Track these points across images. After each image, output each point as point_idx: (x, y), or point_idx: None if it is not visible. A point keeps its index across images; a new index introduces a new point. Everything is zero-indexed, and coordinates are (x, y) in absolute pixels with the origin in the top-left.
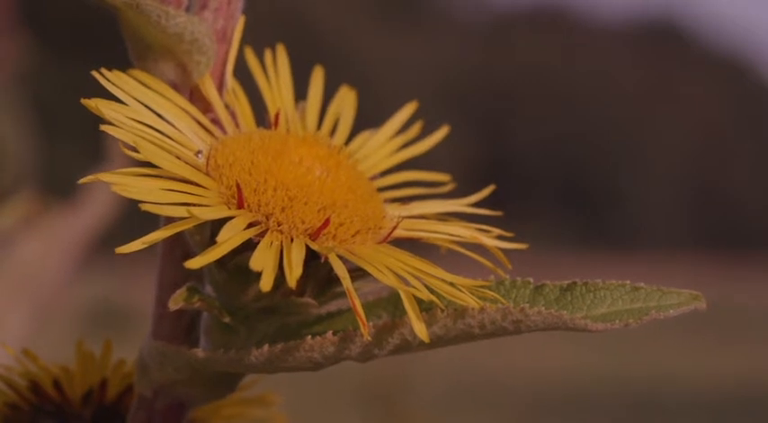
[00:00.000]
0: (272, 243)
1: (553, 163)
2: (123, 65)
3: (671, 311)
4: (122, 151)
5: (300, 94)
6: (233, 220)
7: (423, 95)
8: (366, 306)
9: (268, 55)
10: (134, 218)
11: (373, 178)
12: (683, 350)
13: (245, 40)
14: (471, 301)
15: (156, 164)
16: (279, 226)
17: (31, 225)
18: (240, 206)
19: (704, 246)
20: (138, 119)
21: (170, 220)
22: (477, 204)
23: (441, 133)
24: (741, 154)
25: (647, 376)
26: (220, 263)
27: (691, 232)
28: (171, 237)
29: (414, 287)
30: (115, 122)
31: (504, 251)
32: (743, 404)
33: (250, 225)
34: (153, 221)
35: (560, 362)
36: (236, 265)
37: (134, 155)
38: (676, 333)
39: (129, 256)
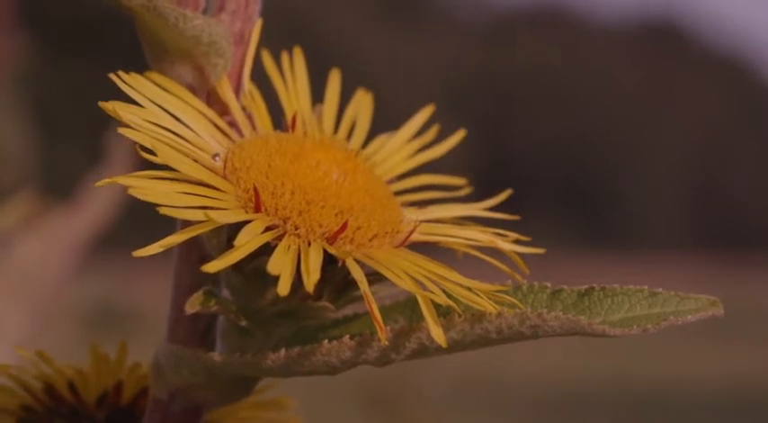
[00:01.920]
0: (289, 247)
1: (553, 163)
2: (123, 65)
3: (689, 317)
4: (122, 152)
5: None
6: (250, 224)
7: (422, 95)
8: (383, 310)
9: (285, 57)
10: (134, 218)
11: (390, 182)
12: (684, 350)
13: None
14: (489, 306)
15: (174, 167)
16: (296, 230)
17: (31, 225)
18: (257, 210)
19: (704, 246)
20: (155, 121)
21: (186, 224)
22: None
23: (456, 137)
24: (741, 154)
25: (648, 376)
26: (237, 267)
27: (691, 232)
28: (188, 240)
29: (431, 292)
30: (132, 125)
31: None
32: (743, 404)
33: (267, 229)
34: (153, 222)
35: (562, 363)
36: (254, 268)
37: (151, 157)
38: (677, 333)
39: (128, 257)
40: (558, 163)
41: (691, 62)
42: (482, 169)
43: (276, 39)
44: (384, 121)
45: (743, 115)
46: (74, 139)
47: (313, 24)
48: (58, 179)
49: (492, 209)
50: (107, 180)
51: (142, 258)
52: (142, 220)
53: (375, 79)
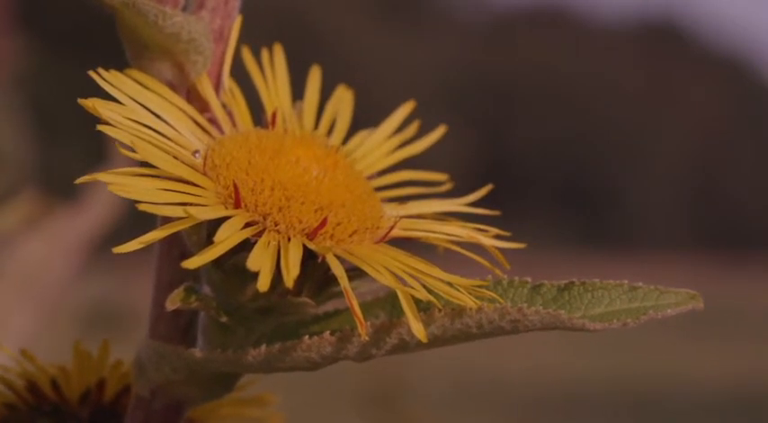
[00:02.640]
0: (269, 243)
1: (553, 163)
2: (123, 65)
3: (668, 311)
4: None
5: (301, 94)
6: (230, 220)
7: (423, 95)
8: (363, 306)
9: (265, 54)
10: (136, 218)
11: (371, 178)
12: (683, 350)
13: (244, 41)
14: (469, 301)
15: (154, 164)
16: (276, 226)
17: (34, 226)
18: (237, 206)
19: (704, 246)
20: (135, 119)
21: (167, 220)
22: (475, 203)
23: (438, 133)
24: (741, 154)
25: (648, 376)
26: (217, 263)
27: (691, 232)
28: (168, 237)
29: (411, 287)
30: (112, 122)
31: (504, 251)
32: (743, 404)
33: (247, 225)
34: (153, 222)
35: (560, 362)
36: (234, 264)
37: (131, 155)
38: (676, 333)
39: (131, 257)
40: (557, 163)
41: (691, 62)
42: (482, 169)
43: (276, 39)
44: (383, 121)
45: (743, 115)
46: (73, 140)
47: (313, 24)
48: (58, 180)
49: (486, 206)
50: (87, 177)
51: (142, 258)
52: (142, 220)
53: (375, 79)
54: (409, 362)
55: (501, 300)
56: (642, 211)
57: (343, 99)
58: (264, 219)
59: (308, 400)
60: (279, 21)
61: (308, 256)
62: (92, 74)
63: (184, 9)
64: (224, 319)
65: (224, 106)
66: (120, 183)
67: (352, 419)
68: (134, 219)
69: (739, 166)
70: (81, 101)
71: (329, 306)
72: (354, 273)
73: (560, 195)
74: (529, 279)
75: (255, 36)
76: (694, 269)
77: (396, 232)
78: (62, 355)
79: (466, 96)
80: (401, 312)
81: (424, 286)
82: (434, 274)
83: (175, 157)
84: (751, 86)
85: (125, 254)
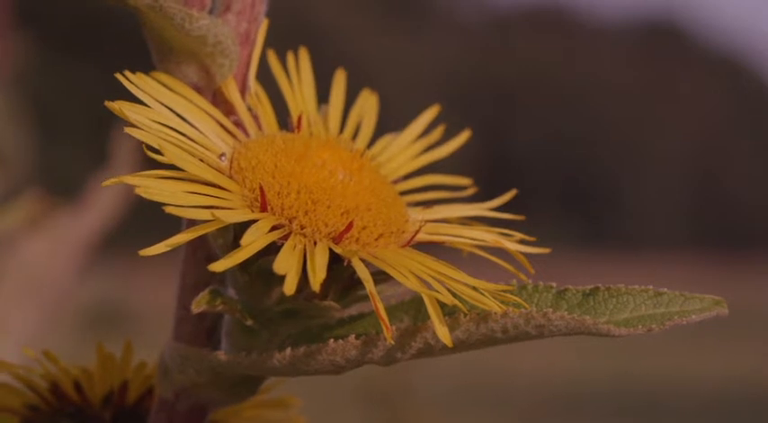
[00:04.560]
0: (295, 246)
1: (553, 163)
2: (125, 65)
3: (693, 317)
4: (125, 152)
5: None
6: (257, 224)
7: (423, 95)
8: (388, 310)
9: (290, 58)
10: (135, 219)
11: (395, 181)
12: (685, 350)
13: None
14: (494, 306)
15: (180, 167)
16: (302, 229)
17: (36, 226)
18: (263, 209)
19: (704, 246)
20: (161, 121)
21: (192, 223)
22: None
23: (462, 137)
24: (741, 153)
25: (649, 377)
26: (243, 266)
27: (691, 232)
28: (194, 239)
29: (437, 291)
30: (138, 125)
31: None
32: (744, 404)
33: (273, 228)
34: (154, 222)
35: (564, 363)
36: (260, 268)
37: (157, 157)
38: (678, 333)
39: (131, 256)
40: (557, 163)
41: (691, 62)
42: (482, 169)
43: (277, 38)
44: (384, 122)
45: (742, 115)
46: (74, 139)
47: (314, 24)
48: (60, 180)
49: (495, 209)
50: (114, 180)
51: (144, 258)
52: (143, 221)
53: (375, 79)
54: (413, 362)
55: (526, 305)
56: (642, 211)
57: (368, 102)
58: (290, 222)
59: (310, 400)
60: (280, 20)
61: (334, 260)
62: (118, 76)
63: (211, 12)
64: (249, 321)
65: (250, 109)
66: (146, 185)
67: (356, 419)
68: (134, 219)
69: (739, 166)
70: (108, 103)
71: (354, 309)
72: (380, 276)
73: (560, 195)
74: (554, 284)
75: None
76: (694, 269)
77: (421, 236)
78: (64, 353)
79: (466, 96)
80: (426, 316)
81: (450, 290)
82: (460, 278)
83: (202, 160)
84: (750, 86)
85: (127, 254)
